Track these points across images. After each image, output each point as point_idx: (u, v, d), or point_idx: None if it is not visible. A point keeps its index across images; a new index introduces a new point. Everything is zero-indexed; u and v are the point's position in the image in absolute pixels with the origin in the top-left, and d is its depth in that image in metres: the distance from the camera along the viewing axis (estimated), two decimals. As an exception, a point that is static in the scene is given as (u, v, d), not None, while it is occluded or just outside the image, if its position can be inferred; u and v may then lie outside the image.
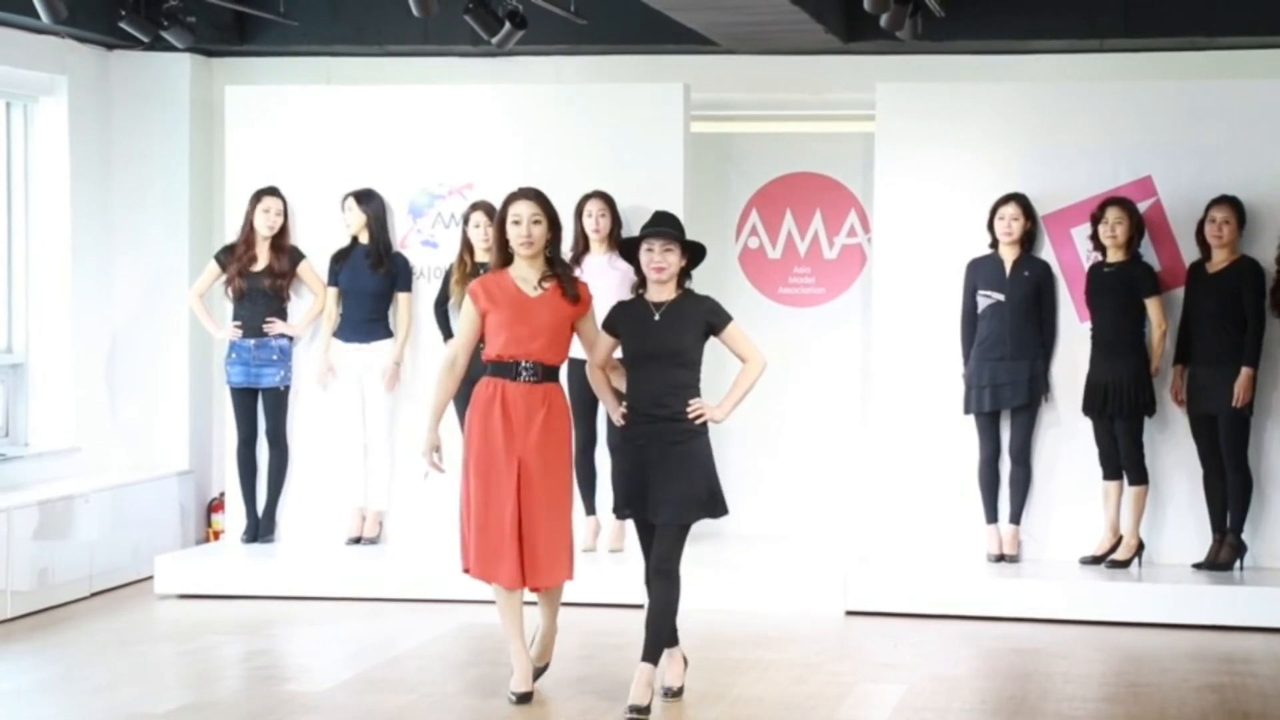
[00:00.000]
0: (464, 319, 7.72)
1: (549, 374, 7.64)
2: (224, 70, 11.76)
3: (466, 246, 10.42)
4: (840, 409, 11.31)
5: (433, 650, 8.97)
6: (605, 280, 10.16)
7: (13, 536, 9.65)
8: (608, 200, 10.35)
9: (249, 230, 10.66)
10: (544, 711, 7.48)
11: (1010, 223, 10.16)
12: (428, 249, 10.86)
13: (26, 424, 11.10)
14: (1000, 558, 10.21)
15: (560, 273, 7.70)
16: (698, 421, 7.46)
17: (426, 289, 10.77)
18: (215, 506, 11.58)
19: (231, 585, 10.20)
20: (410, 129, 10.89)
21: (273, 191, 10.66)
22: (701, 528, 11.03)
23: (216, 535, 11.46)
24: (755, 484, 11.38)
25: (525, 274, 7.67)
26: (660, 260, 7.43)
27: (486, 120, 10.89)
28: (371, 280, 10.61)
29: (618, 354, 7.64)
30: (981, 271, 10.24)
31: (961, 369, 10.28)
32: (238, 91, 11.18)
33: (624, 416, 7.50)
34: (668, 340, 7.42)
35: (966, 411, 10.25)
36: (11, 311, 11.10)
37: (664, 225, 7.51)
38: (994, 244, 10.25)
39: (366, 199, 10.63)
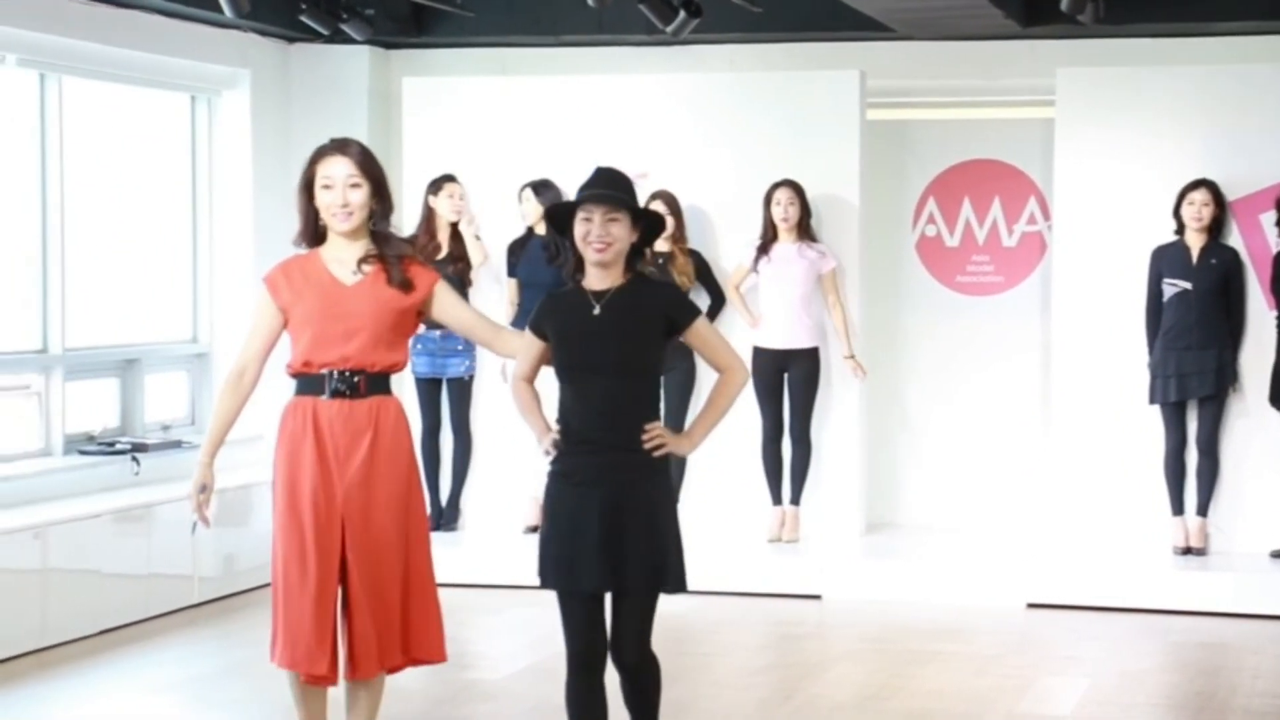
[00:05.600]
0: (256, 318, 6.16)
1: (374, 384, 6.14)
2: (401, 62, 11.87)
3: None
4: (1020, 398, 11.16)
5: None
6: (793, 269, 10.18)
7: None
8: (797, 189, 10.31)
9: (430, 218, 10.72)
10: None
11: (1200, 209, 9.94)
12: (603, 239, 10.86)
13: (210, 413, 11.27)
14: (1187, 550, 10.01)
15: (384, 252, 5.96)
16: (656, 454, 5.58)
17: (603, 279, 10.77)
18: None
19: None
20: (585, 119, 10.92)
21: (452, 178, 10.72)
22: (877, 516, 11.13)
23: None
24: (935, 475, 11.30)
25: (341, 254, 6.01)
26: (602, 234, 5.51)
27: (661, 110, 10.88)
28: (548, 272, 10.60)
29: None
30: (1167, 259, 10.04)
31: (1146, 358, 10.09)
32: (415, 83, 11.27)
33: (554, 445, 5.66)
34: (613, 341, 5.54)
35: (1152, 401, 10.06)
36: (197, 302, 11.30)
37: (605, 187, 5.58)
38: (1179, 230, 10.04)
39: (543, 189, 10.66)
